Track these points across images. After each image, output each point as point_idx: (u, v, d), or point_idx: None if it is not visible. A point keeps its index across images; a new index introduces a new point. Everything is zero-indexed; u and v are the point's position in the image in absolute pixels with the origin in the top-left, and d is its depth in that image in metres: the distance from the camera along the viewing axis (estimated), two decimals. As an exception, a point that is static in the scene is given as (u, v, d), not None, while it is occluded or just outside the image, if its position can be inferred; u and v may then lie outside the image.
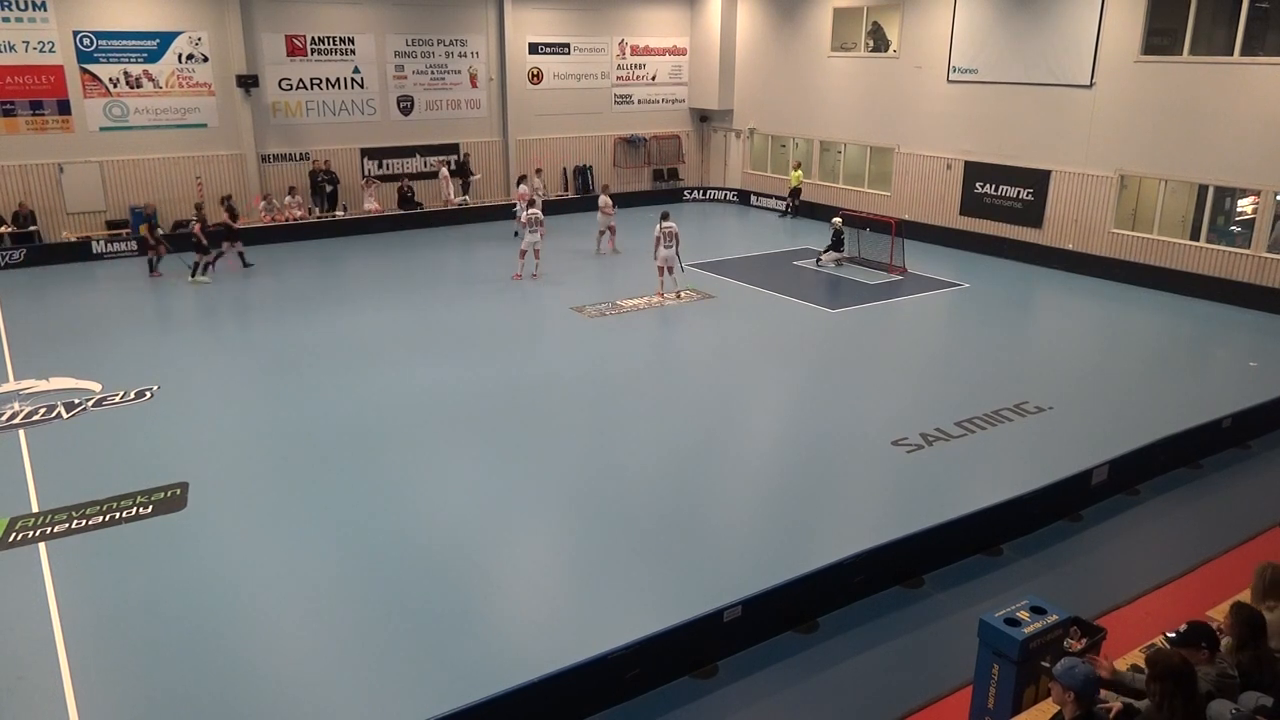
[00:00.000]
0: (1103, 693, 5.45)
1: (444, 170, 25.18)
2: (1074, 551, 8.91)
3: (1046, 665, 5.43)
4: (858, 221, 21.64)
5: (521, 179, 24.12)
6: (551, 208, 24.51)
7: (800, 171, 26.25)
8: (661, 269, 17.34)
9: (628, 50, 28.22)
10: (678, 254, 17.28)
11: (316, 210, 23.84)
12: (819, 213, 24.28)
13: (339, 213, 23.95)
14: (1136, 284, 18.72)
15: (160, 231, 19.69)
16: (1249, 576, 5.99)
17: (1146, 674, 4.81)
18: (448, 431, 11.64)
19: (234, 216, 19.76)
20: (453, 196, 25.14)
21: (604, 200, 21.54)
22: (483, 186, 26.33)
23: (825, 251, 20.69)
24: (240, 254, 19.80)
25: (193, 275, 18.73)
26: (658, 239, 17.18)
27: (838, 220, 20.96)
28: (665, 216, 17.43)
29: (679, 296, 17.47)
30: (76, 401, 12.43)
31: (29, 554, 8.72)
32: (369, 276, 19.87)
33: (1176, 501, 9.96)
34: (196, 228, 18.85)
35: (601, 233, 21.46)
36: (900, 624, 7.73)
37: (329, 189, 23.87)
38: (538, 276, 18.96)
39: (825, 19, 25.27)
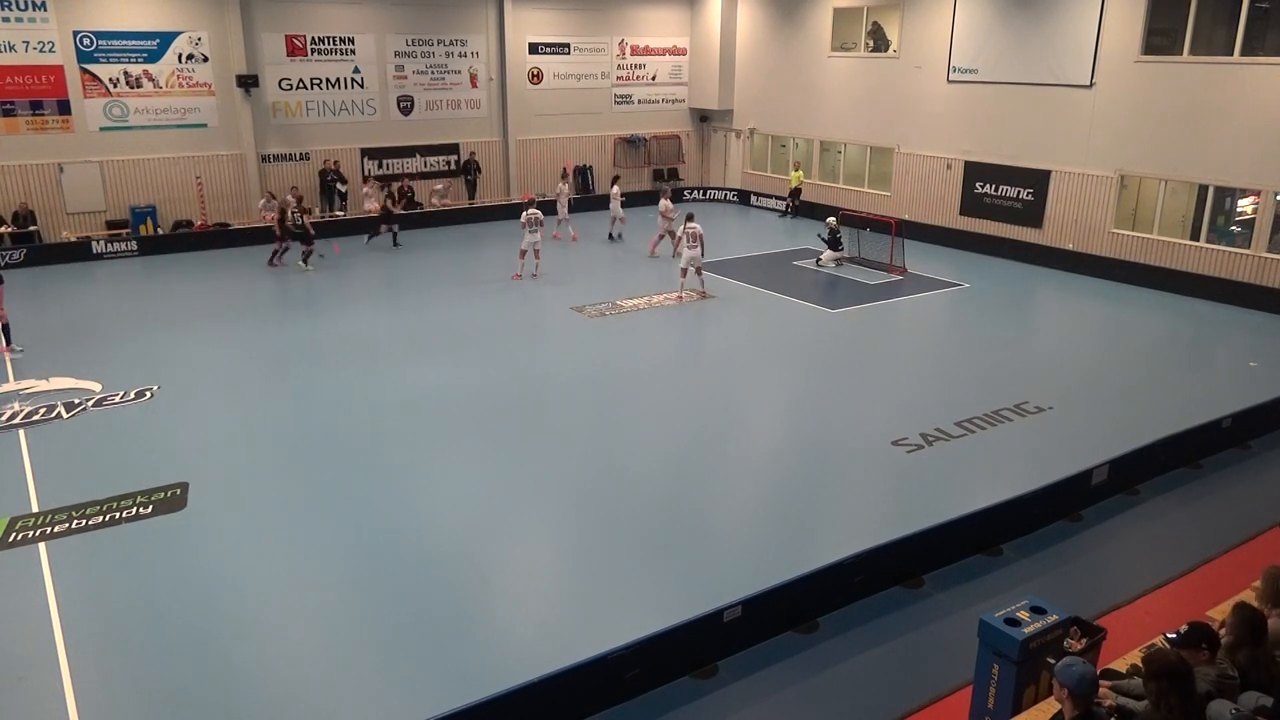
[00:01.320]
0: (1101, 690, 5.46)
1: (438, 185, 25.36)
2: (1074, 551, 8.91)
3: (1051, 662, 5.43)
4: (857, 221, 21.64)
5: (615, 179, 24.21)
6: (552, 207, 24.54)
7: (800, 172, 26.26)
8: (685, 270, 17.38)
9: (628, 50, 28.22)
10: (701, 254, 17.33)
11: (317, 210, 23.85)
12: (819, 213, 24.26)
13: (339, 213, 23.95)
14: (1136, 284, 18.72)
15: (302, 220, 20.32)
16: (1249, 576, 6.00)
17: (1144, 673, 4.82)
18: (447, 431, 11.64)
19: (395, 201, 22.82)
20: (438, 200, 25.24)
21: (664, 204, 21.17)
22: (483, 186, 26.34)
23: (824, 252, 20.69)
24: (394, 233, 22.07)
25: (304, 261, 19.88)
26: (680, 239, 17.28)
27: (832, 220, 21.00)
28: (690, 218, 17.44)
29: (680, 299, 17.47)
30: (76, 401, 12.43)
31: (29, 554, 8.72)
32: (369, 276, 19.87)
33: (1176, 501, 9.96)
34: (306, 219, 20.16)
35: (661, 236, 21.10)
36: (900, 624, 7.73)
37: (341, 189, 23.91)
38: (538, 276, 18.96)
39: (825, 19, 25.27)
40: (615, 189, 23.02)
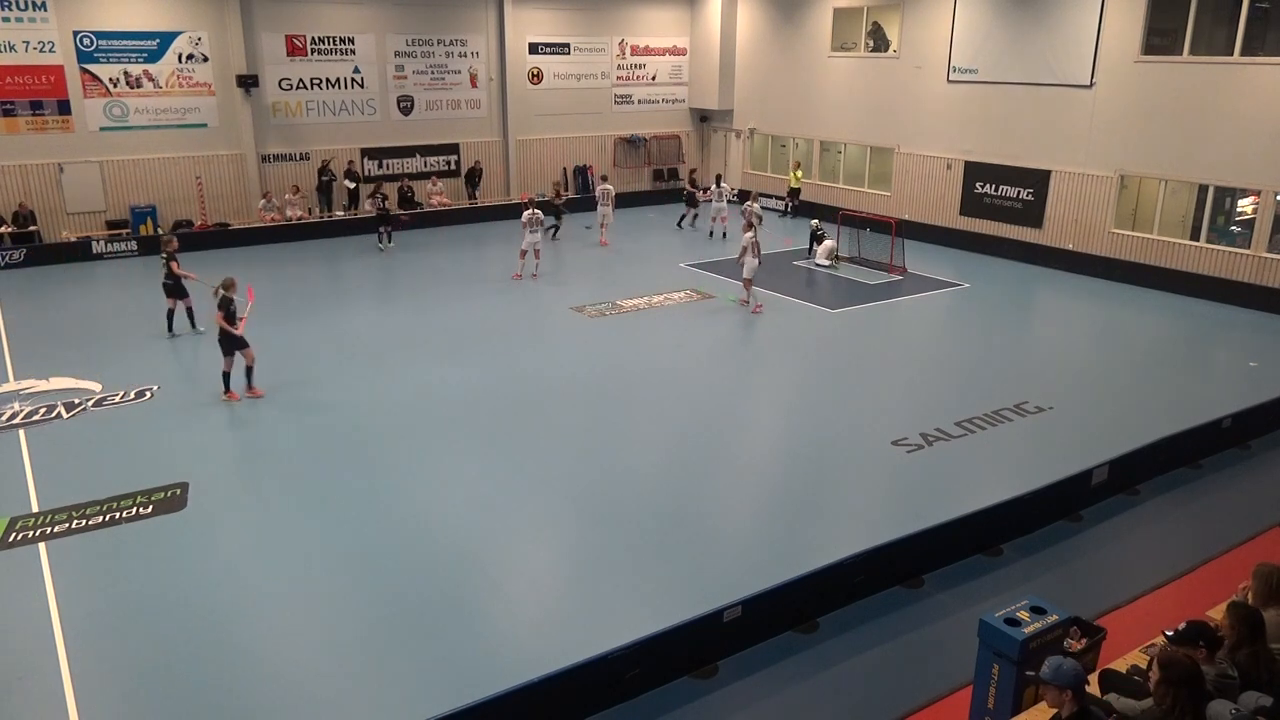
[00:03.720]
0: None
1: (434, 185, 25.40)
2: (1074, 551, 8.91)
3: (1032, 674, 5.40)
4: (857, 221, 21.66)
5: (719, 177, 24.52)
6: (548, 208, 24.52)
7: (800, 171, 26.25)
8: (750, 282, 16.71)
9: (628, 50, 28.23)
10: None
11: (317, 210, 23.90)
12: (819, 213, 24.26)
13: (339, 212, 23.96)
14: (1136, 284, 18.72)
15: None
16: (1248, 577, 5.98)
17: (1158, 677, 4.78)
18: (447, 431, 11.64)
19: (700, 187, 24.04)
20: (435, 199, 25.29)
21: (751, 207, 20.29)
22: (483, 186, 26.34)
23: (810, 251, 20.88)
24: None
25: (387, 242, 21.80)
26: (745, 249, 16.45)
27: (815, 222, 21.32)
28: (750, 226, 16.80)
29: (759, 308, 16.84)
30: (76, 401, 12.43)
31: (29, 554, 8.72)
32: (369, 276, 19.87)
33: (1176, 501, 9.96)
34: (389, 204, 22.18)
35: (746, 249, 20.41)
36: (900, 624, 7.72)
37: (350, 186, 23.90)
38: (537, 276, 18.96)
39: (825, 19, 25.27)
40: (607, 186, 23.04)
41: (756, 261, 16.62)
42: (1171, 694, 4.66)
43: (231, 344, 12.25)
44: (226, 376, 12.43)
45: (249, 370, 12.49)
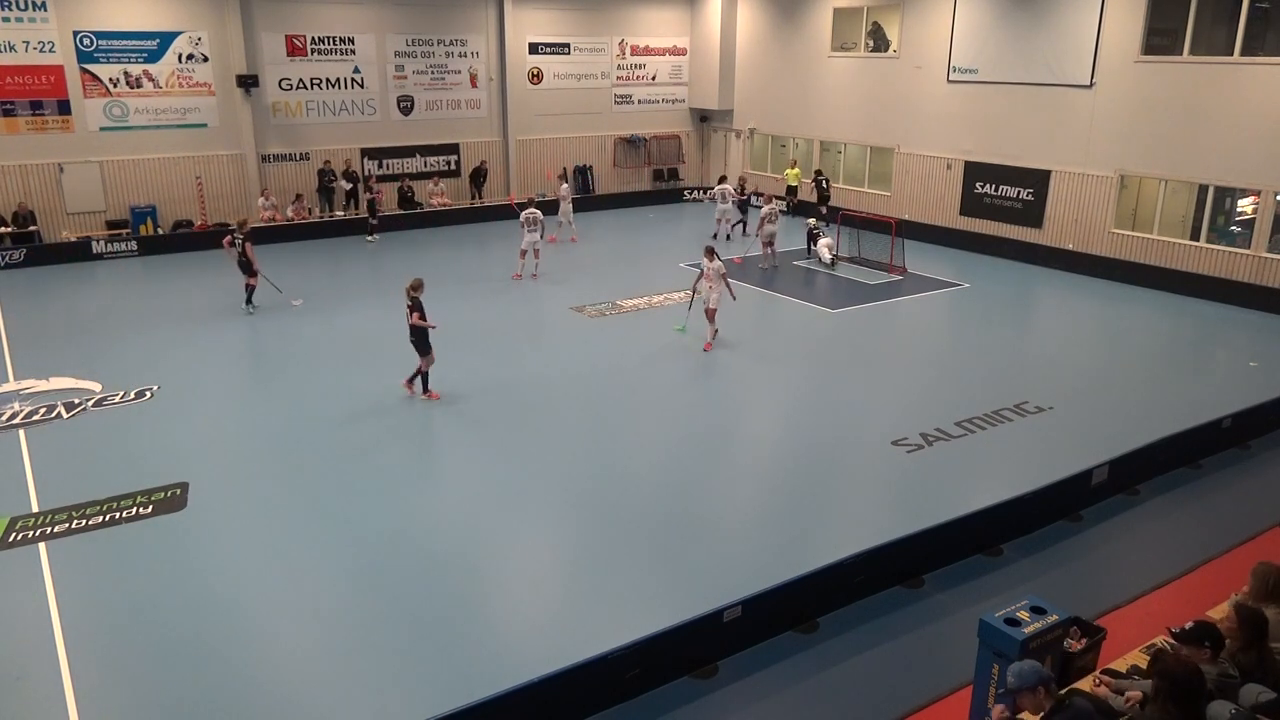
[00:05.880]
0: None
1: (435, 185, 25.42)
2: (1074, 551, 8.90)
3: (1002, 691, 5.37)
4: (857, 221, 21.67)
5: (723, 179, 24.43)
6: (551, 207, 24.54)
7: (797, 169, 26.20)
8: (713, 312, 14.62)
9: (628, 50, 28.23)
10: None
11: (317, 210, 23.90)
12: (817, 213, 24.26)
13: (338, 213, 23.96)
14: (1136, 284, 18.72)
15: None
16: (1248, 578, 5.98)
17: (1153, 670, 4.77)
18: (447, 431, 11.64)
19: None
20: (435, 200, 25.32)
21: (770, 209, 19.90)
22: (485, 186, 26.33)
23: (809, 251, 20.99)
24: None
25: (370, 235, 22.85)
26: (705, 274, 14.48)
27: (811, 221, 21.51)
28: (712, 254, 14.54)
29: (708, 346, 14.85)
30: (76, 401, 12.43)
31: (29, 554, 8.72)
32: (367, 276, 19.87)
33: (1176, 501, 9.96)
34: (379, 199, 22.84)
35: (767, 243, 20.00)
36: (900, 624, 7.72)
37: (349, 186, 23.90)
38: (537, 276, 18.96)
39: (825, 19, 25.27)
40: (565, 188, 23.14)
41: (716, 294, 14.40)
42: (1158, 688, 4.65)
43: (426, 343, 12.31)
44: (425, 376, 12.52)
45: (425, 374, 12.54)
